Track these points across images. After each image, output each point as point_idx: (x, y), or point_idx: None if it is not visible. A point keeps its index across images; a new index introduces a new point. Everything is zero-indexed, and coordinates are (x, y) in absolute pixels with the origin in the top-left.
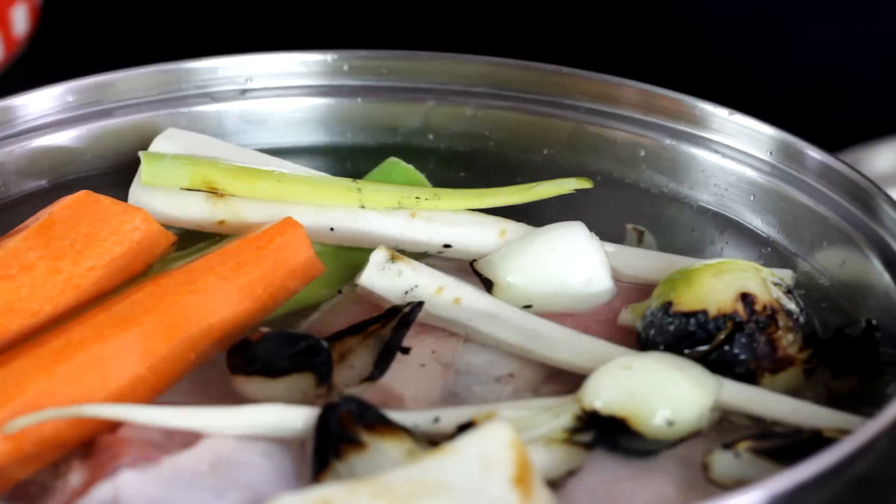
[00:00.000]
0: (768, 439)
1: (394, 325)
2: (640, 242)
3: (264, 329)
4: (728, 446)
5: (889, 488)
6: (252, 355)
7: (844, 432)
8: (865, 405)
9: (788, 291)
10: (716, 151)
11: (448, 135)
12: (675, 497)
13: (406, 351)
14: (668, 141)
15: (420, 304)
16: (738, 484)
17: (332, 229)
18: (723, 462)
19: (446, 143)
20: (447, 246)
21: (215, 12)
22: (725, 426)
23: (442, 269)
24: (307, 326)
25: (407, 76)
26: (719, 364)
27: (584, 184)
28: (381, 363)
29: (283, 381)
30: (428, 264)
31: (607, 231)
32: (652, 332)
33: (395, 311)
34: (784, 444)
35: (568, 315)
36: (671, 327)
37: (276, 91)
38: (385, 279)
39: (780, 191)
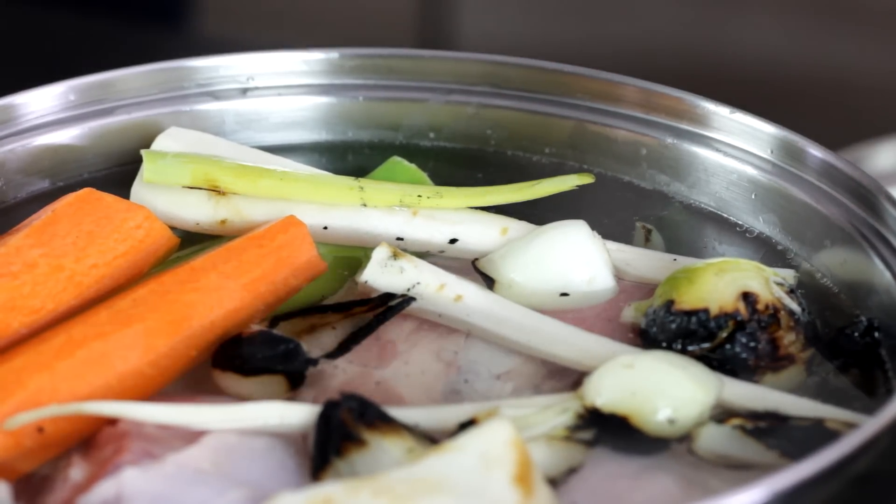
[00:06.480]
0: (761, 420)
1: (377, 312)
2: (647, 241)
3: (256, 327)
4: (720, 421)
5: (891, 486)
6: (233, 351)
7: (846, 426)
8: (867, 403)
9: (791, 291)
10: (717, 150)
11: (450, 133)
12: (675, 495)
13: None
14: (669, 139)
15: (411, 299)
16: (718, 459)
17: (334, 227)
18: (709, 435)
19: (448, 142)
20: (451, 242)
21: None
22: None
23: (444, 268)
24: None
25: (408, 75)
26: (721, 362)
27: (586, 179)
28: (346, 344)
29: (253, 380)
30: (430, 262)
31: (609, 229)
32: (654, 330)
33: (386, 298)
34: (776, 428)
35: (569, 313)
36: (673, 325)
37: (277, 90)
38: (387, 276)
39: (782, 189)
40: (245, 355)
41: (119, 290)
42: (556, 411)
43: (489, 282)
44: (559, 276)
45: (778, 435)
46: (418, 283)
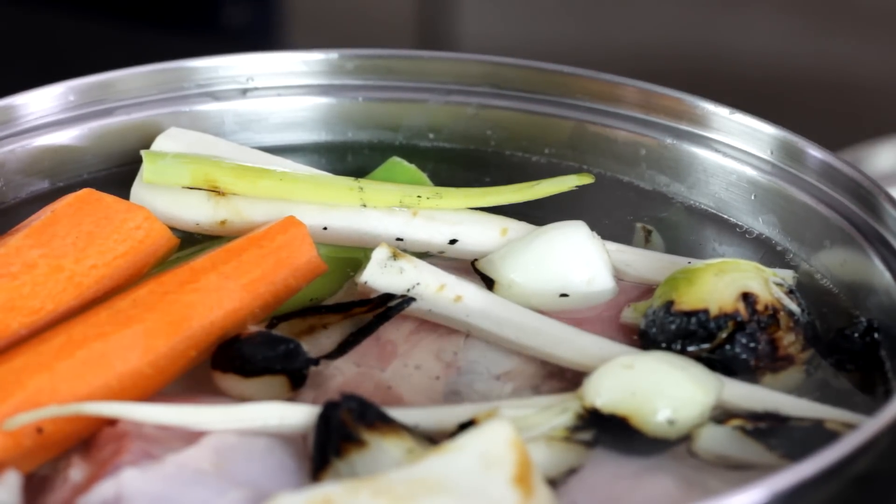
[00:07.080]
0: (761, 421)
1: (377, 313)
2: (647, 242)
3: (253, 328)
4: (720, 422)
5: (891, 486)
6: (233, 353)
7: (847, 426)
8: (866, 404)
9: (790, 291)
10: (717, 151)
11: (449, 134)
12: (675, 495)
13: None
14: (668, 140)
15: (410, 299)
16: (718, 460)
17: (333, 228)
18: (709, 435)
19: (448, 143)
20: (451, 243)
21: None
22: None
23: (443, 268)
24: None
25: (408, 75)
26: (720, 363)
27: (585, 179)
28: (346, 345)
29: (255, 381)
30: (430, 263)
31: (609, 230)
32: (653, 330)
33: (386, 299)
34: (776, 428)
35: (569, 313)
36: (672, 326)
37: (277, 90)
38: (386, 277)
39: (781, 190)
40: (245, 356)
41: (119, 291)
42: (556, 412)
43: (489, 282)
44: (559, 276)
45: (778, 435)
46: (418, 284)
